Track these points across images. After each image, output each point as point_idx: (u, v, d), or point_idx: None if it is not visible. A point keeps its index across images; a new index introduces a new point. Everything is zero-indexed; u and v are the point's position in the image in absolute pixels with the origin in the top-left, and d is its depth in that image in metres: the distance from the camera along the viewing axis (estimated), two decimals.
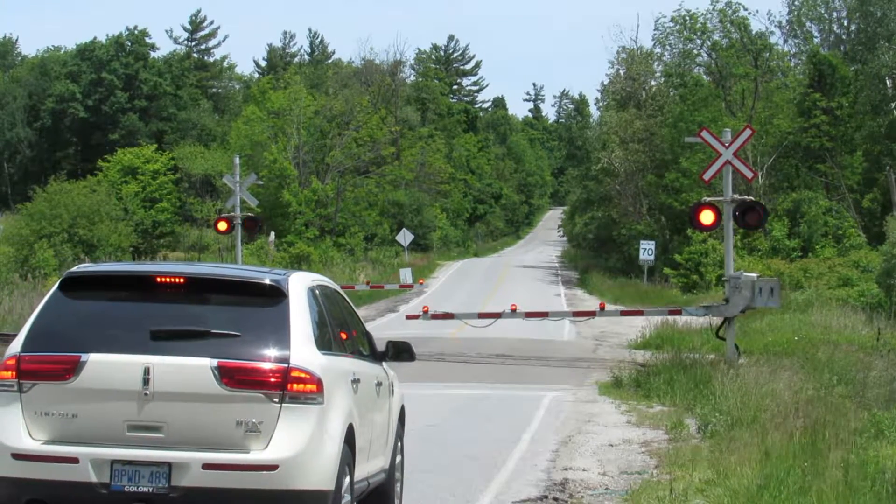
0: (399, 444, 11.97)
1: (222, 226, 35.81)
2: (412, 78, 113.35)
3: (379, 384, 11.06)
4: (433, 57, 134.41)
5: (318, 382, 9.01)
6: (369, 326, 14.14)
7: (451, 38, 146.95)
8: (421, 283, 54.90)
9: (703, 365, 23.58)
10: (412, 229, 79.60)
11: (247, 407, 8.82)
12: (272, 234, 68.25)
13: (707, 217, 26.31)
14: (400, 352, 11.45)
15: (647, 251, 58.33)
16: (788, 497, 11.77)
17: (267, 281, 9.40)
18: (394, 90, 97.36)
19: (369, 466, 10.52)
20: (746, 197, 28.45)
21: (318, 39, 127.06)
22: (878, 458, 13.96)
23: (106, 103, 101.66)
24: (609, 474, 14.96)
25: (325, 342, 9.61)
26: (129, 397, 8.81)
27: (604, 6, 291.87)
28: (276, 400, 8.87)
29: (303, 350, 9.09)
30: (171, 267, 9.72)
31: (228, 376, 8.83)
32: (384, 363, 11.55)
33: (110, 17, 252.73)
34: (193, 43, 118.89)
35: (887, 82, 62.55)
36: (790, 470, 12.61)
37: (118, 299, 9.33)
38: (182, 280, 9.30)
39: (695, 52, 70.61)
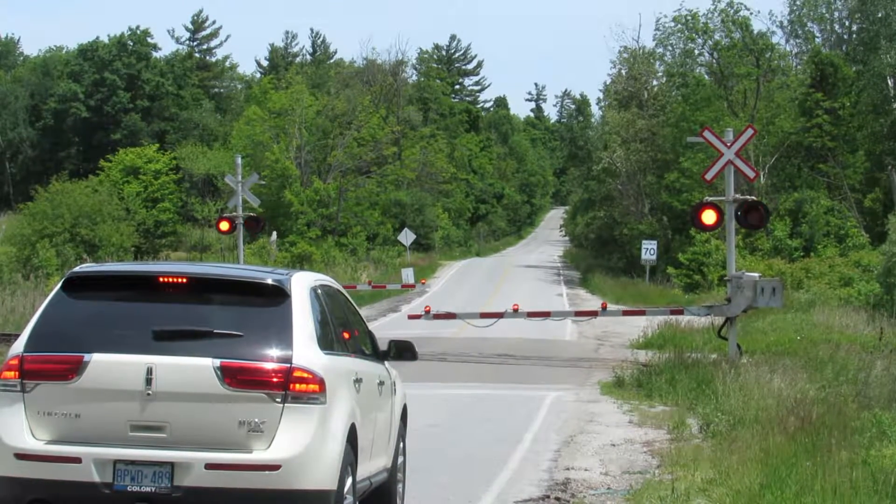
0: (401, 443, 11.97)
1: (224, 226, 35.81)
2: (414, 78, 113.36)
3: (381, 383, 11.07)
4: (435, 57, 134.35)
5: (321, 382, 9.02)
6: (371, 326, 14.16)
7: (452, 37, 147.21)
8: (423, 283, 54.85)
9: (705, 365, 23.58)
10: (414, 229, 79.57)
11: (249, 407, 8.83)
12: (274, 233, 68.27)
13: (709, 217, 26.32)
14: (402, 351, 11.46)
15: (648, 251, 58.36)
16: (790, 497, 11.77)
17: (269, 281, 9.41)
18: (396, 90, 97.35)
19: (371, 466, 10.54)
20: (748, 197, 28.43)
21: (320, 39, 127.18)
22: (879, 457, 13.97)
23: (108, 103, 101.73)
24: (611, 474, 14.97)
25: (328, 342, 9.62)
26: (132, 397, 8.82)
27: (605, 6, 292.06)
28: (279, 400, 8.88)
29: (305, 350, 9.10)
30: (173, 267, 9.73)
31: (231, 376, 8.84)
32: (386, 362, 11.56)
33: (112, 17, 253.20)
34: (195, 43, 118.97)
35: (889, 82, 62.50)
36: (792, 470, 12.61)
37: (121, 299, 9.34)
38: (184, 280, 9.30)
39: (696, 51, 70.56)
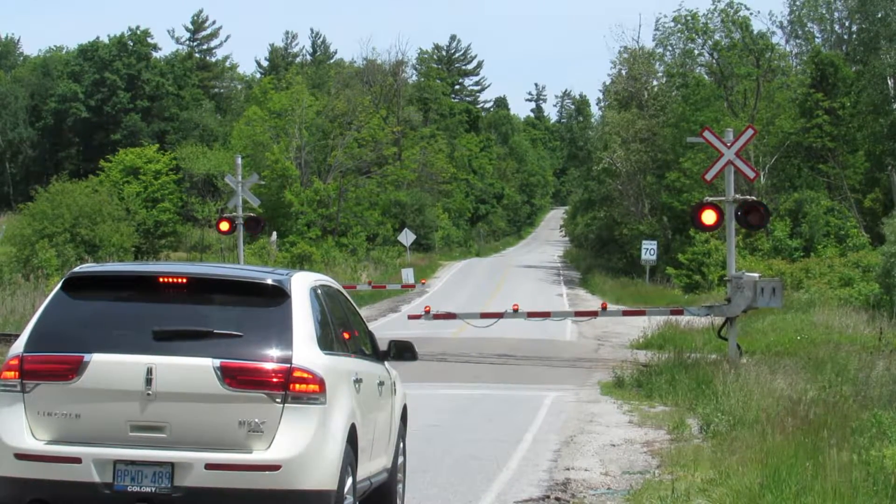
0: (401, 443, 11.97)
1: (224, 226, 35.81)
2: (414, 78, 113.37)
3: (381, 384, 11.07)
4: (435, 57, 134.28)
5: (321, 382, 9.02)
6: (371, 326, 14.16)
7: (453, 37, 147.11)
8: (423, 283, 54.87)
9: (705, 365, 23.57)
10: (414, 229, 79.58)
11: (249, 407, 8.83)
12: (274, 234, 68.27)
13: (709, 217, 26.31)
14: (402, 351, 11.46)
15: (648, 251, 58.38)
16: (790, 497, 11.77)
17: (269, 281, 9.40)
18: (396, 90, 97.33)
19: (371, 466, 10.54)
20: (748, 197, 28.42)
21: (320, 39, 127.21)
22: (880, 457, 13.96)
23: (108, 103, 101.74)
24: (611, 474, 14.96)
25: (328, 342, 9.61)
26: (132, 397, 8.82)
27: (605, 6, 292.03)
28: (279, 400, 8.87)
29: (305, 350, 9.09)
30: (173, 267, 9.72)
31: (231, 376, 8.84)
32: (386, 363, 11.56)
33: (113, 18, 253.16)
34: (195, 43, 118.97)
35: (889, 82, 62.50)
36: (792, 470, 12.60)
37: (121, 299, 9.33)
38: (184, 280, 9.30)
39: (696, 52, 70.61)
